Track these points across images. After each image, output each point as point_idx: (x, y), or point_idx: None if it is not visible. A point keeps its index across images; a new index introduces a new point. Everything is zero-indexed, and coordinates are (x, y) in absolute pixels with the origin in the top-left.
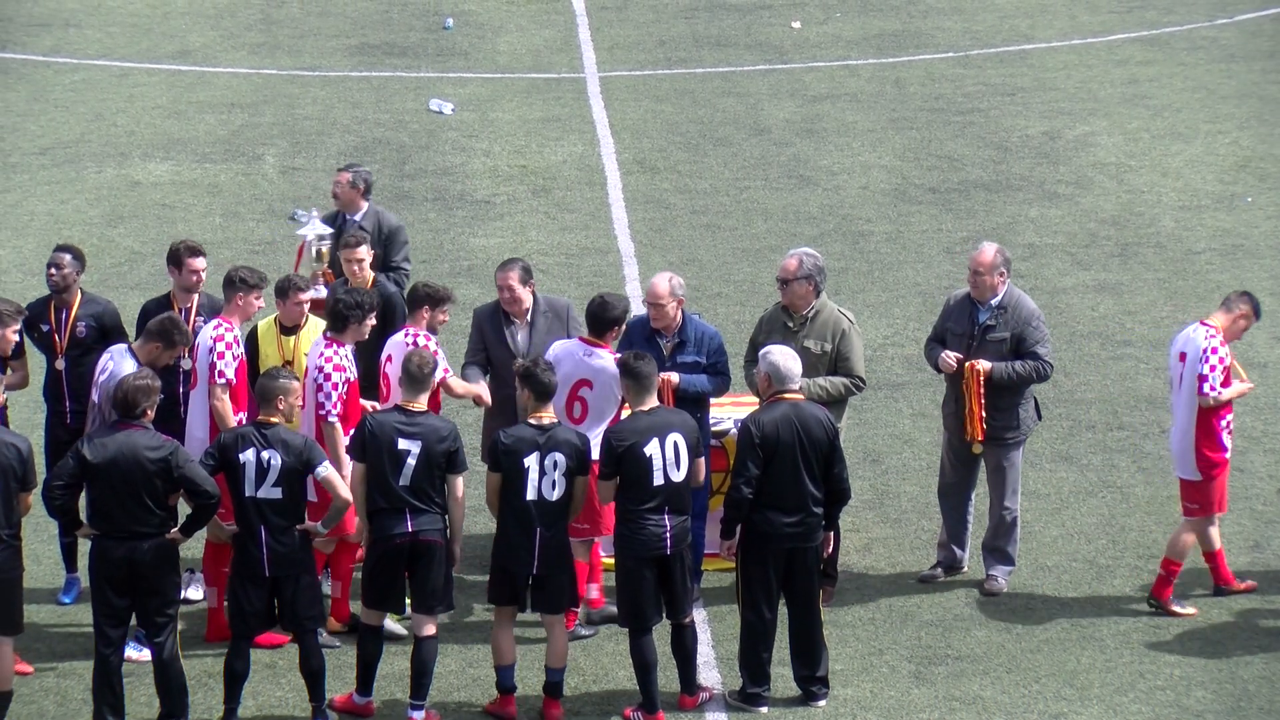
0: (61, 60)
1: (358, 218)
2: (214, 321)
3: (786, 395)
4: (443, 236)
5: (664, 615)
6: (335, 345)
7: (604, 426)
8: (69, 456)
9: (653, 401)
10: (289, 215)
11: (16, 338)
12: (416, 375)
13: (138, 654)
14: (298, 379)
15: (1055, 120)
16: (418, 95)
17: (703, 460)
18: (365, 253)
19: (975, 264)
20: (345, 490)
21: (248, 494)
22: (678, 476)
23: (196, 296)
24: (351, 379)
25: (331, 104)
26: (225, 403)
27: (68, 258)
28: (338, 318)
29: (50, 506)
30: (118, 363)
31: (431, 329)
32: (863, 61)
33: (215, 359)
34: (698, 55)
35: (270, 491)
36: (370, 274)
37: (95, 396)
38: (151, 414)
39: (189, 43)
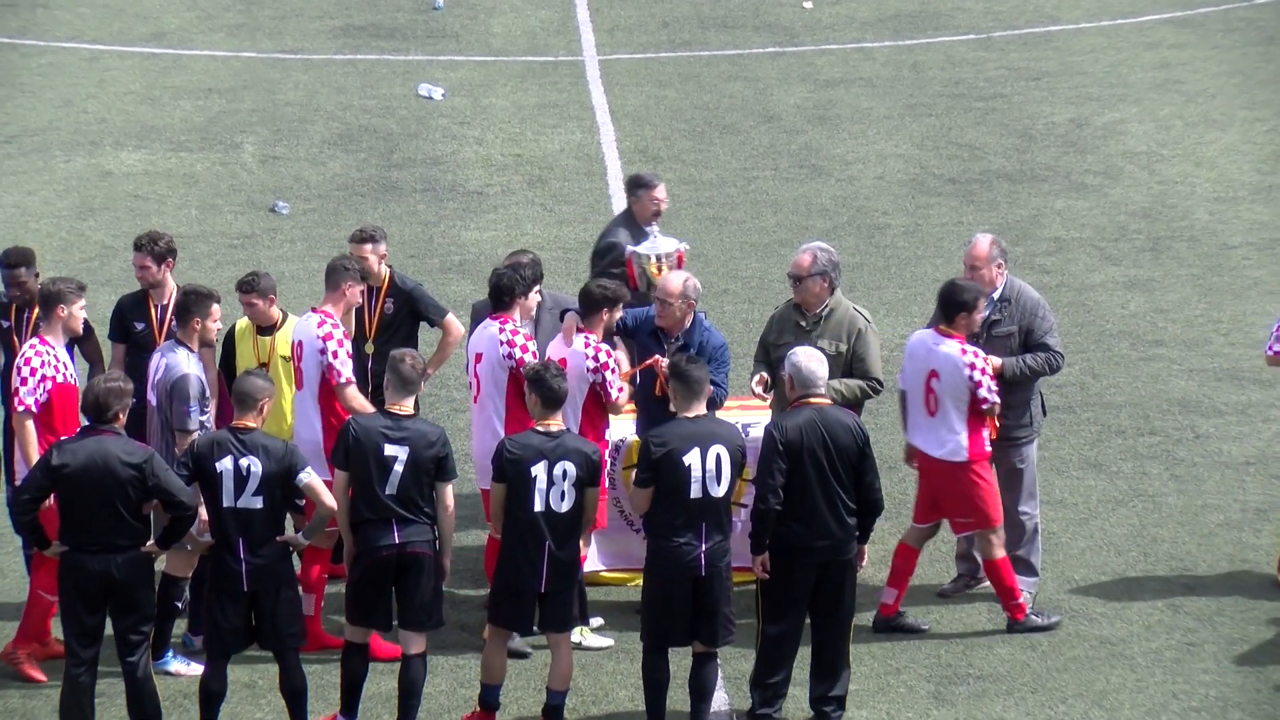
0: (29, 43)
1: (656, 226)
2: (316, 318)
3: (812, 399)
4: (433, 230)
5: (689, 640)
6: (509, 322)
7: (960, 419)
8: (35, 468)
9: (700, 409)
10: (269, 207)
11: (84, 314)
12: (408, 376)
13: (185, 668)
14: (270, 380)
15: (1082, 107)
16: (406, 80)
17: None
18: (370, 251)
19: (971, 259)
20: (329, 497)
21: (226, 504)
22: (717, 492)
23: (173, 294)
24: (535, 349)
25: (314, 89)
26: (360, 399)
27: (23, 270)
28: (502, 293)
29: (17, 523)
30: (170, 358)
31: (608, 332)
32: (878, 44)
33: (331, 359)
34: (703, 37)
35: (250, 501)
36: (385, 270)
37: (153, 398)
38: (124, 418)
39: (164, 24)
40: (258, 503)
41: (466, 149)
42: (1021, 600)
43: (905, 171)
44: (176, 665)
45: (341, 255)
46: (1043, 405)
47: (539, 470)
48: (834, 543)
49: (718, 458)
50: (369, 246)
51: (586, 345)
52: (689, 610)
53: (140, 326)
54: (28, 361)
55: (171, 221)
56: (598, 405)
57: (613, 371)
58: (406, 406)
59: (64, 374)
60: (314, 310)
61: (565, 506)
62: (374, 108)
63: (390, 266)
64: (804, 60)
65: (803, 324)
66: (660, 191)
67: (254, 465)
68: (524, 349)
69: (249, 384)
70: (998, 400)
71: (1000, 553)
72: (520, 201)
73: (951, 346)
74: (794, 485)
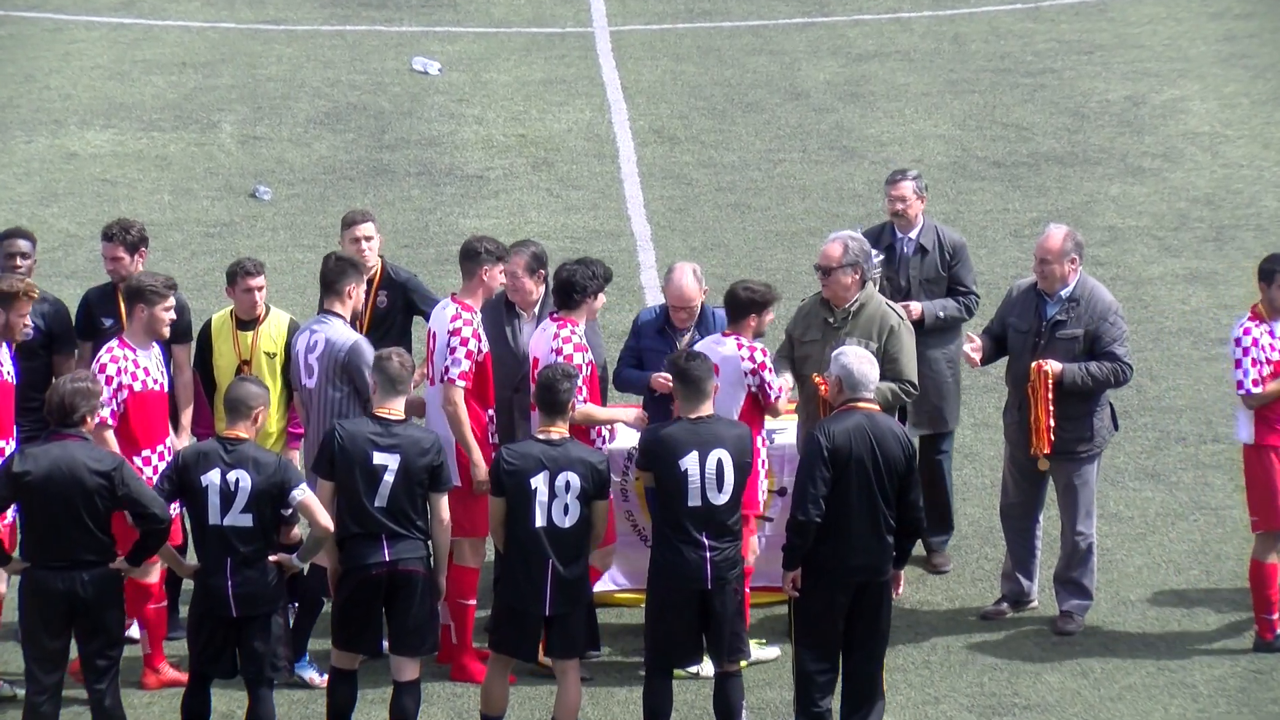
0: None
1: (914, 235)
2: (453, 309)
3: (860, 404)
4: (428, 217)
5: (700, 659)
6: (568, 325)
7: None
8: None
9: (706, 409)
10: (249, 191)
11: (172, 316)
12: (397, 375)
13: (320, 679)
14: (267, 386)
15: (1139, 83)
16: (399, 53)
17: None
18: (371, 230)
19: (1042, 251)
20: (325, 518)
21: (212, 522)
22: (719, 499)
23: None
24: (594, 362)
25: (299, 63)
26: (460, 407)
27: (26, 244)
28: (570, 290)
29: None
30: (327, 331)
31: (758, 335)
32: (916, 14)
33: (448, 353)
34: (724, 6)
35: (238, 518)
36: (378, 260)
37: (309, 381)
38: (92, 422)
39: None
40: (246, 520)
41: (465, 129)
42: (1276, 617)
43: (946, 154)
44: (310, 674)
45: (480, 236)
46: (1113, 418)
47: (539, 482)
48: (871, 562)
49: (719, 463)
50: (371, 225)
51: (740, 347)
52: (695, 627)
53: (109, 323)
54: (103, 369)
55: (142, 208)
56: (755, 409)
57: (770, 371)
58: (396, 410)
59: (144, 381)
60: (453, 299)
61: (569, 521)
62: (364, 83)
63: (383, 257)
64: (835, 32)
65: (830, 320)
66: (896, 189)
67: (242, 480)
68: (569, 359)
69: (243, 390)
70: (1254, 391)
71: (1273, 558)
72: (524, 186)
73: (1239, 323)
74: (837, 496)
